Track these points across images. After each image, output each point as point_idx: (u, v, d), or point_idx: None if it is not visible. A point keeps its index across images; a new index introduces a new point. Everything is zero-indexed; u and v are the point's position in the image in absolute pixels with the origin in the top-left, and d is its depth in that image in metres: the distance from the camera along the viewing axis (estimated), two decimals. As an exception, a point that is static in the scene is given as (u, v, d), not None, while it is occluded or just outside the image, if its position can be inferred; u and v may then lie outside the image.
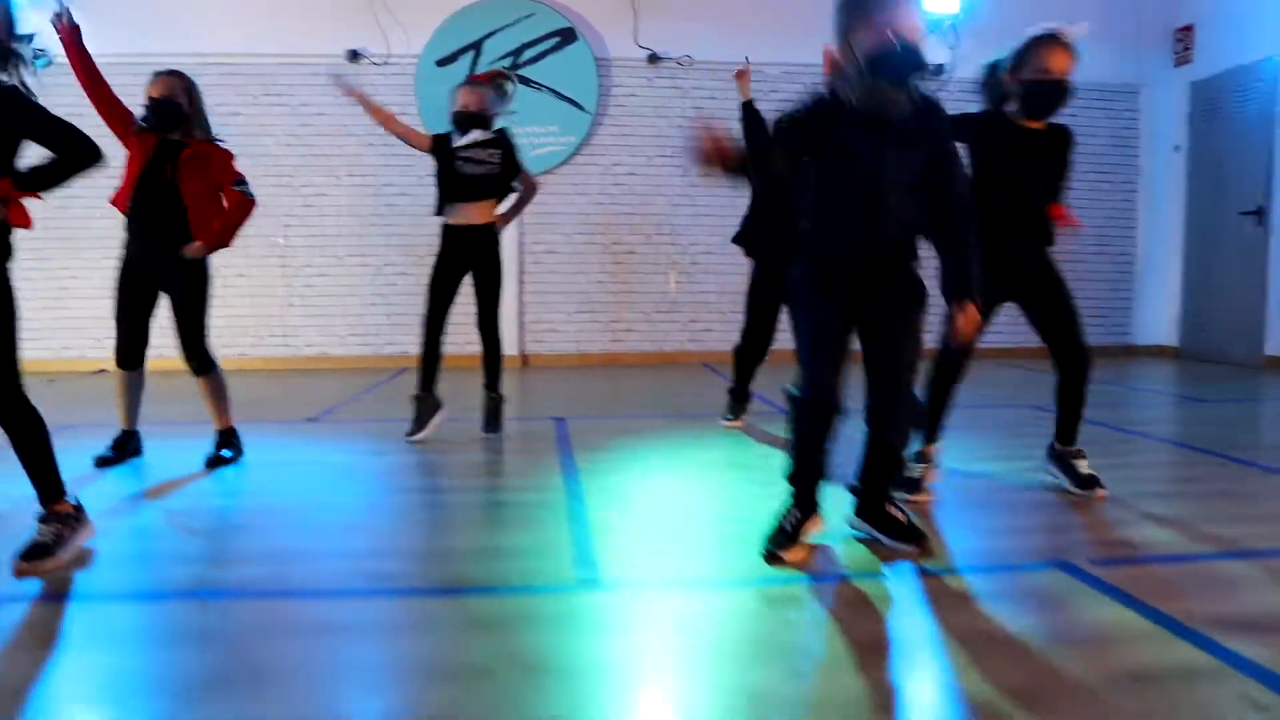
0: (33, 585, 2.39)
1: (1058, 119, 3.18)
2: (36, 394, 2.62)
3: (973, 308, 2.56)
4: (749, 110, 4.50)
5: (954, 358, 3.20)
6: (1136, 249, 8.86)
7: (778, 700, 1.76)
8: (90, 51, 3.71)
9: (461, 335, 7.49)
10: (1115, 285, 8.85)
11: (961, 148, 2.88)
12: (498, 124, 4.42)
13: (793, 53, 7.30)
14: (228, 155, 3.83)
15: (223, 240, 3.80)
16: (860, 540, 2.74)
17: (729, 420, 4.74)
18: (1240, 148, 7.71)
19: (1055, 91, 3.01)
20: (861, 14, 2.37)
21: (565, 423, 4.88)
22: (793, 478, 2.66)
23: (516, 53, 7.79)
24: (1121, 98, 8.66)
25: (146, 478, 3.63)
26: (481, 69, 7.67)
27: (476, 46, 7.77)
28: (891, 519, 2.70)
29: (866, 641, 2.04)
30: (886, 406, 2.63)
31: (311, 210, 7.84)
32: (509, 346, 6.17)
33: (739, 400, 4.77)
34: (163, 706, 1.77)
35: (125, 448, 3.84)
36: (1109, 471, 3.37)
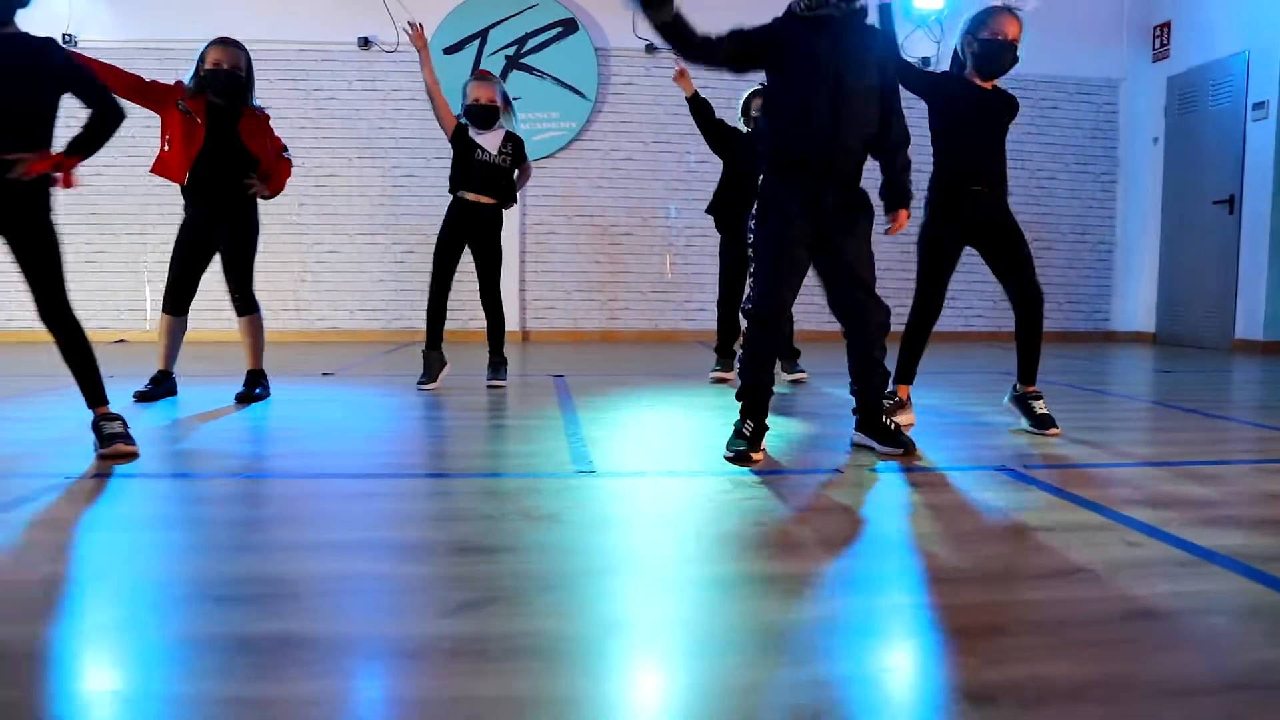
0: (91, 468, 2.75)
1: (1008, 90, 3.56)
2: (54, 355, 2.96)
3: (904, 211, 3.01)
4: (696, 102, 5.00)
5: (928, 305, 3.56)
6: (1115, 238, 9.20)
7: (736, 539, 2.12)
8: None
9: (465, 312, 7.89)
10: (1095, 273, 9.19)
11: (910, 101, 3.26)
12: (507, 123, 4.78)
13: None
14: (267, 118, 4.19)
15: (276, 193, 4.26)
16: (860, 446, 3.16)
17: (716, 372, 5.09)
18: (1213, 139, 8.04)
19: (1005, 51, 3.39)
20: None
21: (564, 378, 5.24)
22: (745, 391, 2.98)
23: (520, 42, 8.17)
24: (1102, 91, 9.03)
25: (184, 411, 3.98)
26: (486, 58, 8.06)
27: (482, 35, 8.14)
28: (884, 428, 3.07)
29: (825, 506, 2.40)
30: (862, 320, 2.96)
31: (324, 190, 8.21)
32: (511, 323, 6.51)
33: (724, 355, 5.12)
34: (217, 534, 2.12)
35: (162, 385, 4.19)
36: (1062, 416, 3.73)
